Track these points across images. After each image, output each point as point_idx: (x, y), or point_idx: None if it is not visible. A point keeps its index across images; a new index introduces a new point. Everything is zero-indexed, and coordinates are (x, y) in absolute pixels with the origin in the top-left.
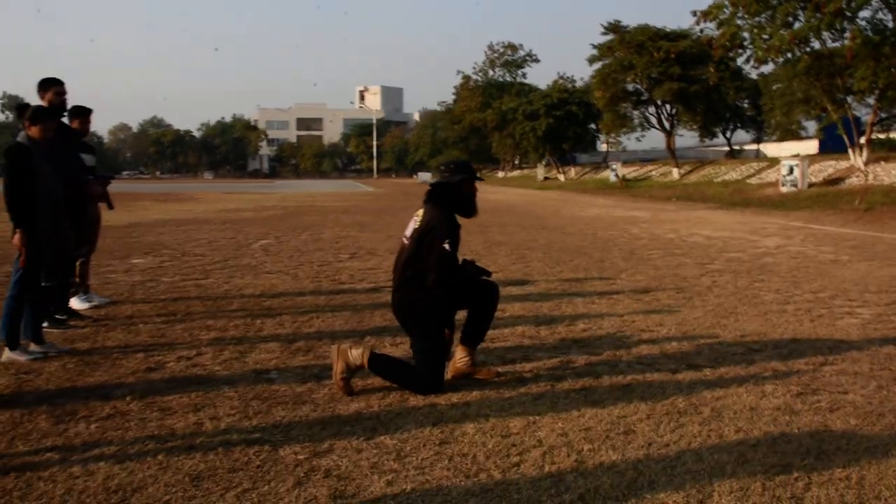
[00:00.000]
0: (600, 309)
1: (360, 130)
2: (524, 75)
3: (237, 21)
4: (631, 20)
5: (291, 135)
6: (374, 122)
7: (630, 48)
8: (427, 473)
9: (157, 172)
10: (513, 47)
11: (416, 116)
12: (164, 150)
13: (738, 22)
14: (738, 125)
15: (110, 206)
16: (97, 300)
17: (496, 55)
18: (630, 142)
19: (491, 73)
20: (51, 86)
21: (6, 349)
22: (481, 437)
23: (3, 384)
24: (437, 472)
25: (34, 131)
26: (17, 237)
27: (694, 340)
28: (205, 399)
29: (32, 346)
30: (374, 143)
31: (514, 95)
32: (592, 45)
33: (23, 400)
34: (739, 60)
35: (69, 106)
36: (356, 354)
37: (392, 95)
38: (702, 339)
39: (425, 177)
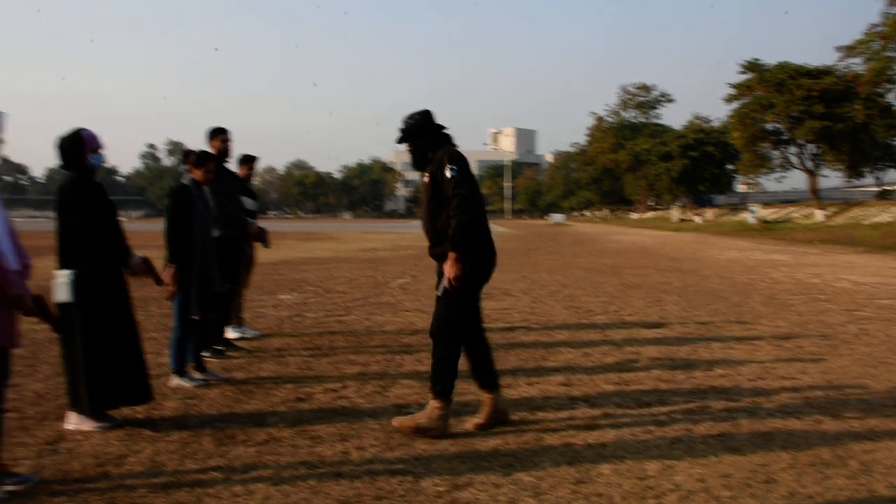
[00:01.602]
0: (739, 355)
1: (492, 172)
2: (658, 116)
3: (378, 65)
4: (770, 58)
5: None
6: (507, 163)
7: (770, 86)
8: None
9: (300, 212)
10: (646, 88)
11: (549, 157)
12: (306, 190)
13: (889, 54)
14: (890, 164)
15: (266, 245)
16: (250, 333)
17: (629, 96)
18: (770, 182)
19: (624, 113)
20: (218, 134)
21: (174, 376)
22: (617, 478)
23: (173, 408)
24: None
25: (197, 174)
26: (169, 272)
27: (840, 390)
28: (350, 430)
29: (195, 374)
30: (507, 184)
31: (647, 136)
32: (730, 84)
33: (189, 423)
34: (890, 96)
35: (235, 152)
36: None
37: (525, 137)
38: (849, 389)
39: (558, 218)
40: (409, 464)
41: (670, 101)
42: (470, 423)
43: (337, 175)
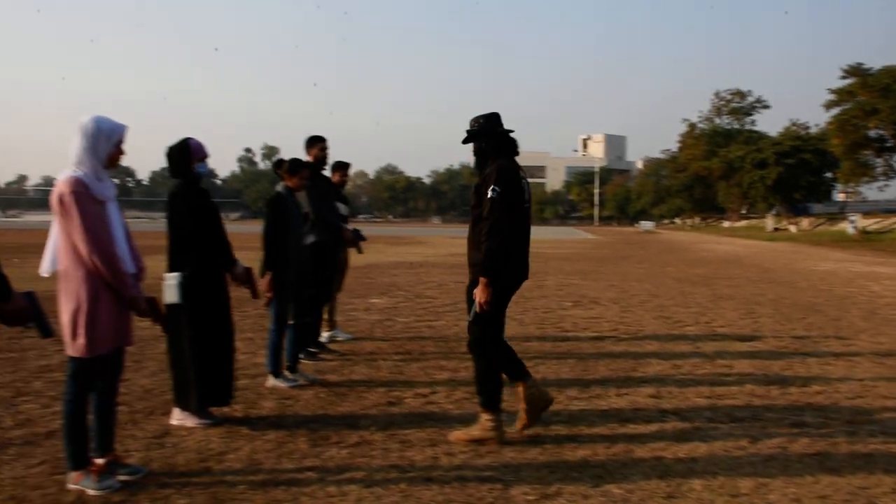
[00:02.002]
0: (837, 371)
1: (582, 178)
2: (753, 122)
3: (467, 73)
4: (874, 62)
5: None
6: (597, 169)
7: (874, 91)
8: None
9: (389, 217)
10: (741, 94)
11: (639, 164)
12: (396, 195)
13: None
14: None
15: (360, 251)
16: (342, 336)
17: (723, 102)
18: (871, 191)
19: (717, 120)
20: (316, 142)
21: (270, 376)
22: (709, 494)
23: (270, 407)
24: None
25: (291, 182)
26: (266, 278)
27: None
28: (440, 435)
29: (290, 375)
30: (597, 190)
31: (741, 143)
32: (830, 89)
33: (285, 423)
34: None
35: (330, 160)
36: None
37: (615, 143)
38: None
39: (647, 225)
40: (499, 471)
41: (766, 107)
42: (515, 429)
43: (426, 180)
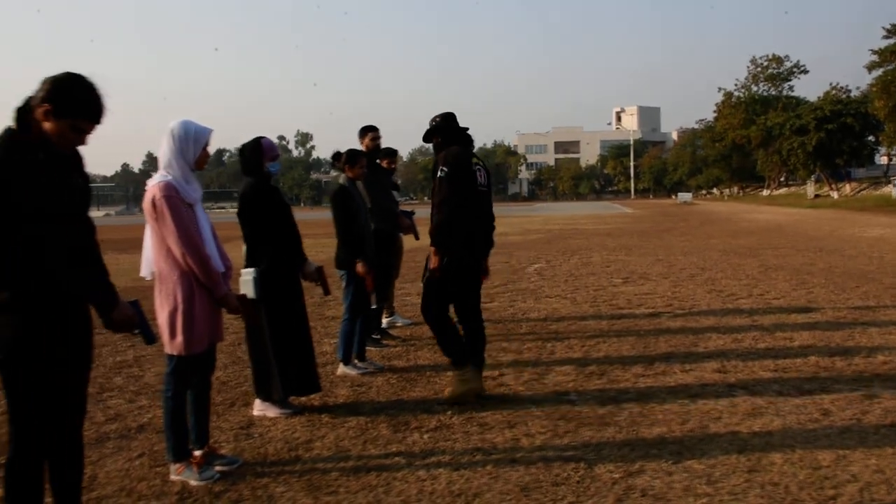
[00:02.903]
0: None
1: (616, 152)
2: (791, 88)
3: (499, 51)
4: None
5: (549, 158)
6: (631, 142)
7: None
8: (742, 500)
9: (425, 198)
10: (778, 59)
11: (674, 135)
12: (430, 176)
13: None
14: None
15: (416, 237)
16: (401, 321)
17: (759, 69)
18: None
19: (754, 87)
20: (368, 132)
21: (340, 364)
22: (790, 467)
23: (345, 395)
24: (751, 499)
25: (352, 172)
26: (360, 266)
27: None
28: (516, 417)
29: (359, 363)
30: (632, 163)
31: (780, 110)
32: (872, 50)
33: (363, 409)
34: None
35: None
36: None
37: (649, 115)
38: None
39: (685, 197)
40: (580, 450)
41: (804, 72)
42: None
43: None
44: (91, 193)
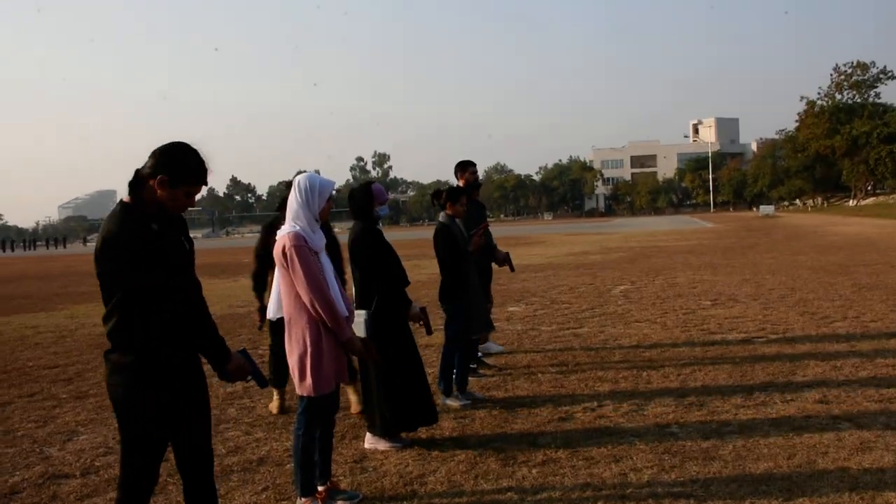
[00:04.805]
0: None
1: (694, 165)
2: (878, 95)
3: (572, 67)
4: None
5: (625, 173)
6: (710, 154)
7: None
8: None
9: (501, 215)
10: (863, 66)
11: (754, 146)
12: (506, 194)
13: None
14: None
15: (512, 269)
16: (495, 348)
17: (843, 77)
18: None
19: (838, 96)
20: (467, 167)
21: (442, 395)
22: None
23: (450, 427)
24: None
25: (452, 210)
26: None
27: None
28: (620, 451)
29: (460, 394)
30: (710, 176)
31: (866, 118)
32: None
33: (469, 442)
34: None
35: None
36: None
37: (727, 126)
38: None
39: (768, 209)
40: (687, 486)
41: (891, 77)
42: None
43: (536, 177)
44: (195, 253)
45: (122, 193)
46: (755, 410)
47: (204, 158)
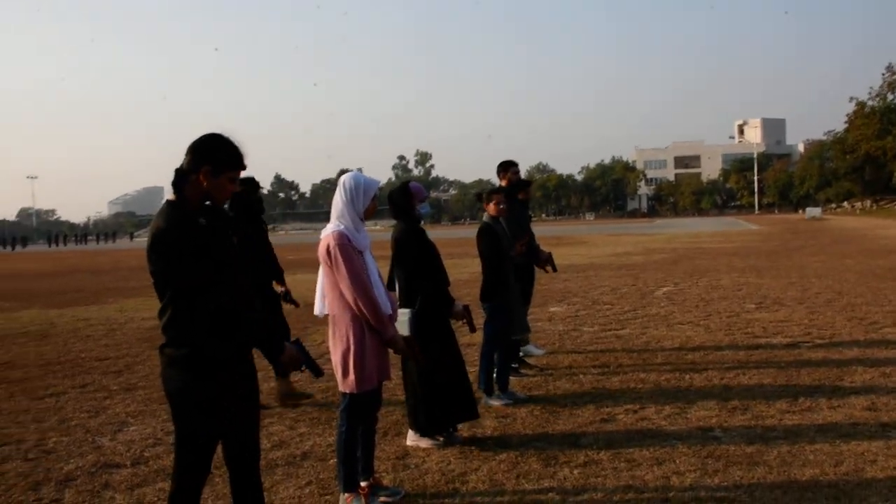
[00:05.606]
0: None
1: (739, 165)
2: None
3: (617, 66)
4: None
5: (669, 173)
6: (755, 155)
7: None
8: None
9: (543, 215)
10: None
11: (801, 147)
12: (548, 193)
13: None
14: None
15: (554, 269)
16: (537, 351)
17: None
18: None
19: (890, 96)
20: (508, 167)
21: (484, 395)
22: None
23: (492, 426)
24: None
25: (491, 209)
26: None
27: None
28: (663, 453)
29: (501, 394)
30: (755, 177)
31: None
32: None
33: (511, 442)
34: None
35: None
36: None
37: (773, 127)
38: None
39: (814, 212)
40: (731, 491)
41: None
42: None
43: (578, 177)
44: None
45: (169, 190)
46: (801, 416)
47: (237, 143)
